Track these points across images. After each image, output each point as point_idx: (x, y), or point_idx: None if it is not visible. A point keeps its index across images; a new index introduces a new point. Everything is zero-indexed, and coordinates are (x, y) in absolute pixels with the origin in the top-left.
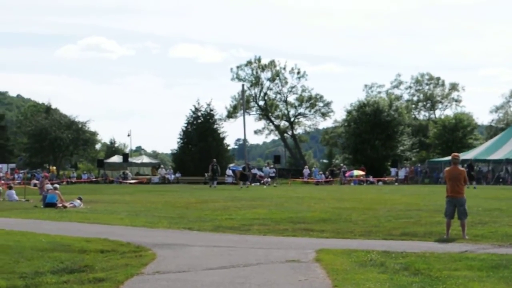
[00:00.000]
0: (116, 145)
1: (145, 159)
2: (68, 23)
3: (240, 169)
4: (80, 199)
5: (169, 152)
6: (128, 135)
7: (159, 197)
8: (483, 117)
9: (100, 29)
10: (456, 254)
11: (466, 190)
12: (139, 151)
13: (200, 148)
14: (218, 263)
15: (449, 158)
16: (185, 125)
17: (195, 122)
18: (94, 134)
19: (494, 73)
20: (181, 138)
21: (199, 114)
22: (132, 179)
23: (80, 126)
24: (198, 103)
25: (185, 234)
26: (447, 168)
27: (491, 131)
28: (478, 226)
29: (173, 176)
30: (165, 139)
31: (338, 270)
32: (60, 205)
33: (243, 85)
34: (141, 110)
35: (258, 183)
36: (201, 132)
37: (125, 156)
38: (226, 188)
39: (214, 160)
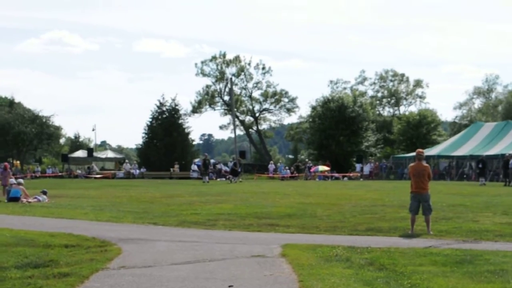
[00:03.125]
0: (81, 139)
1: (110, 154)
2: (30, 17)
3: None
4: (44, 193)
5: (134, 147)
6: (93, 130)
7: (124, 192)
8: (447, 113)
9: (63, 23)
10: (420, 250)
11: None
12: (104, 145)
13: (165, 143)
14: (183, 258)
15: (413, 154)
16: (150, 120)
17: (160, 117)
18: (58, 128)
19: (457, 70)
20: (146, 133)
21: (164, 109)
22: (97, 173)
23: (44, 120)
24: (163, 98)
25: (150, 229)
26: (411, 164)
27: (455, 127)
28: (443, 221)
29: (138, 171)
30: (130, 133)
31: (304, 265)
32: (24, 200)
33: (231, 78)
34: (105, 105)
35: (223, 178)
36: (166, 127)
37: (90, 151)
38: (191, 183)
39: (206, 154)
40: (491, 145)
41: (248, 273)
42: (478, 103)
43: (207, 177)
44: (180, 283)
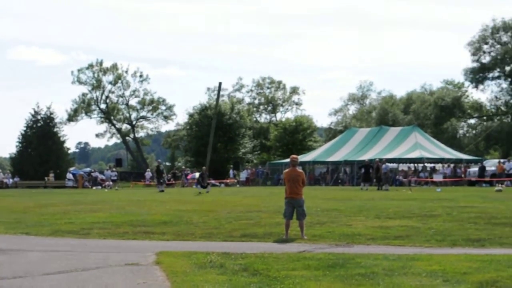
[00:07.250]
0: None
1: None
2: None
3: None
4: None
5: (7, 156)
6: None
7: None
8: (322, 119)
9: None
10: (294, 254)
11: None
12: None
13: (40, 151)
14: (56, 268)
15: (289, 160)
16: (24, 128)
17: (34, 126)
18: None
19: (333, 77)
20: (20, 142)
21: (39, 117)
22: None
23: None
24: (38, 107)
25: (22, 239)
26: (286, 170)
27: (330, 133)
28: (317, 226)
29: (11, 180)
30: (3, 143)
31: (178, 273)
32: None
33: (220, 83)
34: None
35: (99, 187)
36: (40, 136)
37: None
38: (66, 192)
39: (159, 161)
40: (365, 150)
41: (121, 281)
42: (352, 109)
43: (162, 185)
44: None
